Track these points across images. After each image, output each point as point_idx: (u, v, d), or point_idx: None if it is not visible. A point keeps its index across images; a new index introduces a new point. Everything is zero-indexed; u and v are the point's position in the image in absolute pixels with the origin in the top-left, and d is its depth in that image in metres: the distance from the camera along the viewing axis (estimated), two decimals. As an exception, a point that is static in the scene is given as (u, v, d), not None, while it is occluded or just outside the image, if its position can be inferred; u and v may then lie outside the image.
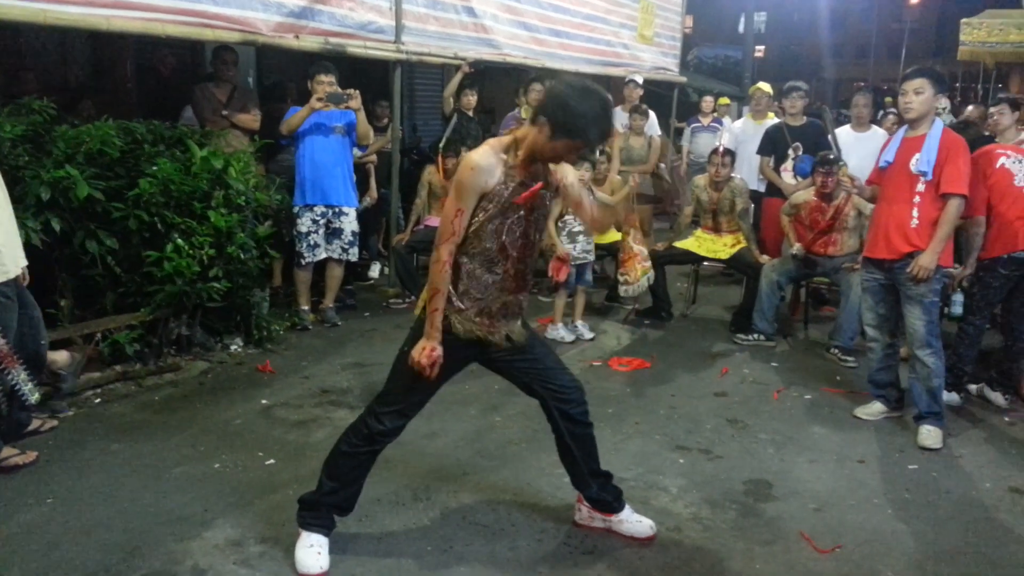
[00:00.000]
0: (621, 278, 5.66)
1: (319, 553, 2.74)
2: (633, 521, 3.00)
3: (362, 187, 6.46)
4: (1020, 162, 4.29)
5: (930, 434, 3.92)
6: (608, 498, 2.98)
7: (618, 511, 3.00)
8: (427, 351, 2.60)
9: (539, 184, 2.60)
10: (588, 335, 5.54)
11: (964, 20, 8.26)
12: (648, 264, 5.64)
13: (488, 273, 2.63)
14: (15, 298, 3.30)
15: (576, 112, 2.45)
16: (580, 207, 2.88)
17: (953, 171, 3.81)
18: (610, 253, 6.06)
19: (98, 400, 4.15)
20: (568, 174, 2.76)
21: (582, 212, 2.94)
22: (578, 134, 2.47)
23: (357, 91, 5.30)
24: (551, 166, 2.67)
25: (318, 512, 2.81)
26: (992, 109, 5.23)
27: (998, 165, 4.29)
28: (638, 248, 5.63)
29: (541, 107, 2.53)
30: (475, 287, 2.64)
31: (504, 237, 2.60)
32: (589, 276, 5.61)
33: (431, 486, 3.34)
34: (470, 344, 2.68)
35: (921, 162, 3.88)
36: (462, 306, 2.64)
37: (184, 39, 4.88)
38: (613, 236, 5.94)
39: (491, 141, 2.64)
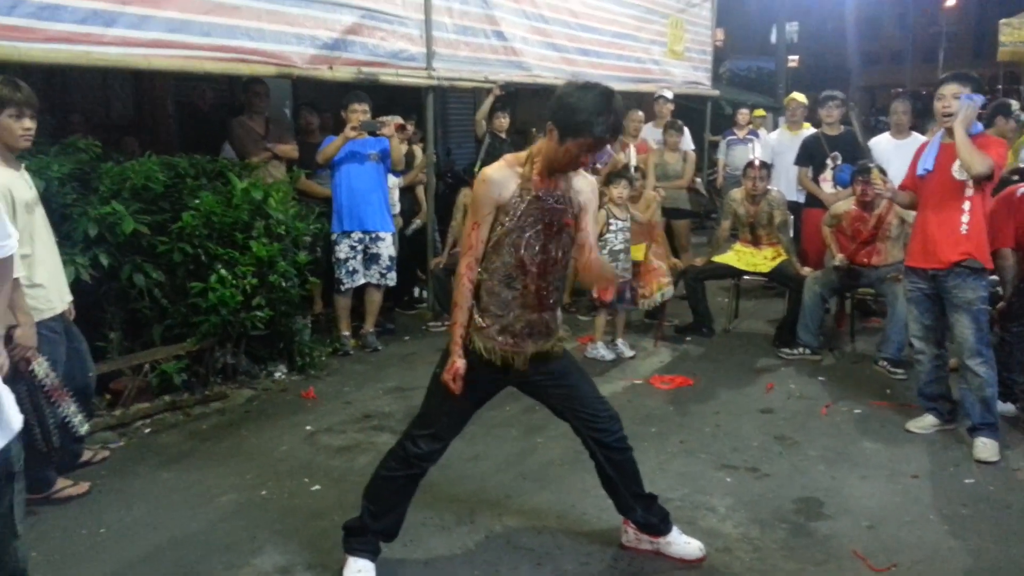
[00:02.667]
0: (640, 291, 5.63)
1: None
2: (681, 543, 2.95)
3: (412, 210, 6.57)
4: None
5: (986, 446, 3.80)
6: (654, 520, 2.94)
7: (665, 533, 2.95)
8: (449, 367, 2.62)
9: (569, 222, 2.62)
10: (629, 353, 5.50)
11: (1003, 20, 8.10)
12: (665, 280, 5.60)
13: (507, 289, 2.61)
14: (63, 332, 3.39)
15: (577, 109, 2.44)
16: (579, 246, 2.72)
17: (988, 153, 3.74)
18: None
19: (148, 430, 4.22)
20: (588, 205, 2.69)
21: (579, 252, 2.74)
22: (583, 131, 2.44)
23: (398, 117, 5.39)
24: (575, 184, 2.65)
25: (363, 538, 2.82)
26: None
27: (1019, 194, 4.30)
28: (658, 263, 5.60)
29: (548, 113, 2.55)
30: (495, 304, 2.62)
31: (523, 252, 2.59)
32: (628, 294, 5.58)
33: (475, 509, 3.33)
34: (499, 366, 2.67)
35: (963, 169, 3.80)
36: (483, 324, 2.63)
37: (222, 75, 4.99)
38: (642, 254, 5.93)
39: (507, 156, 2.66)
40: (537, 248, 2.60)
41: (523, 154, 2.64)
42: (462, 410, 2.76)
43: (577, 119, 2.43)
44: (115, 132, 6.47)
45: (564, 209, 2.63)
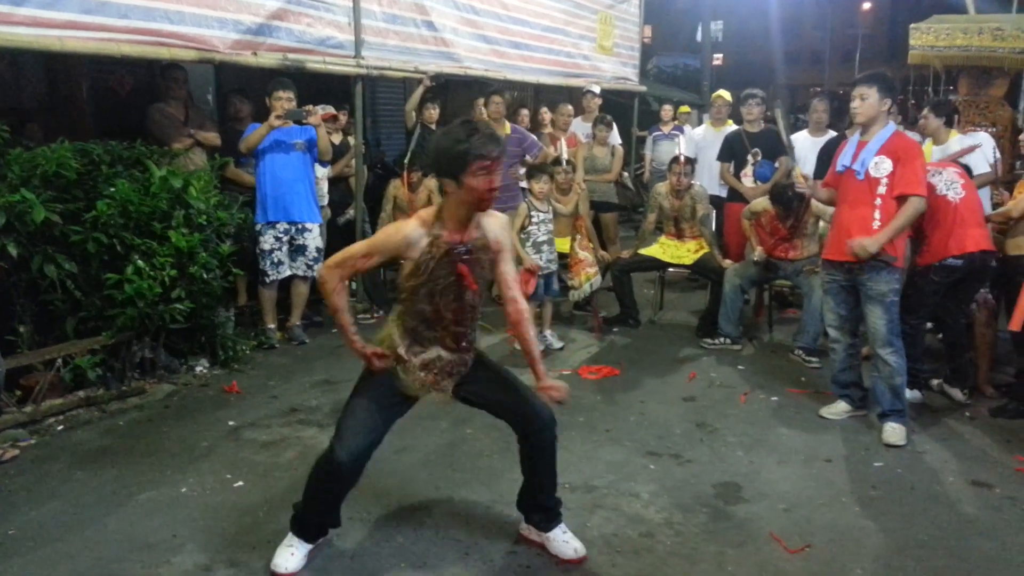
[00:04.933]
0: (569, 283, 5.70)
1: (292, 554, 2.81)
2: (560, 542, 2.95)
3: (345, 201, 6.47)
4: (940, 174, 4.41)
5: (894, 431, 3.99)
6: (536, 518, 2.99)
7: (545, 531, 2.98)
8: (368, 360, 2.72)
9: (471, 283, 2.68)
10: (557, 344, 5.56)
11: (912, 25, 8.46)
12: (593, 271, 5.66)
13: (428, 330, 2.73)
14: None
15: (441, 151, 2.54)
16: (501, 285, 2.81)
17: (908, 173, 3.89)
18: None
19: (60, 427, 4.06)
20: (504, 245, 2.76)
21: (503, 291, 2.82)
22: (469, 160, 2.50)
23: (330, 107, 5.33)
24: (485, 225, 2.70)
25: (302, 523, 2.86)
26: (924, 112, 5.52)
27: None
28: (583, 254, 5.66)
29: (436, 175, 2.65)
30: (419, 341, 2.75)
31: (438, 300, 2.69)
32: (556, 286, 5.63)
33: (403, 502, 3.33)
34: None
35: (859, 161, 3.98)
36: (406, 357, 2.75)
37: (140, 58, 4.82)
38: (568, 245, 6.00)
39: (422, 213, 2.71)
40: (452, 297, 2.70)
41: (433, 211, 2.68)
42: (383, 413, 2.74)
43: (454, 153, 2.50)
44: (26, 117, 6.16)
45: (476, 258, 2.70)
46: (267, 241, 5.38)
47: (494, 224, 2.75)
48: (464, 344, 2.80)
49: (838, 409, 4.33)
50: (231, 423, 4.17)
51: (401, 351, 2.75)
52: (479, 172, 2.51)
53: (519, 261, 5.35)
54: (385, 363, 2.70)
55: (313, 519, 2.86)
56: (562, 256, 5.82)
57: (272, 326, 5.53)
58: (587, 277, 5.62)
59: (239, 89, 6.15)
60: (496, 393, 2.86)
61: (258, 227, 5.40)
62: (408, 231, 2.62)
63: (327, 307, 2.77)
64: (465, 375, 2.85)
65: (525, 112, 8.24)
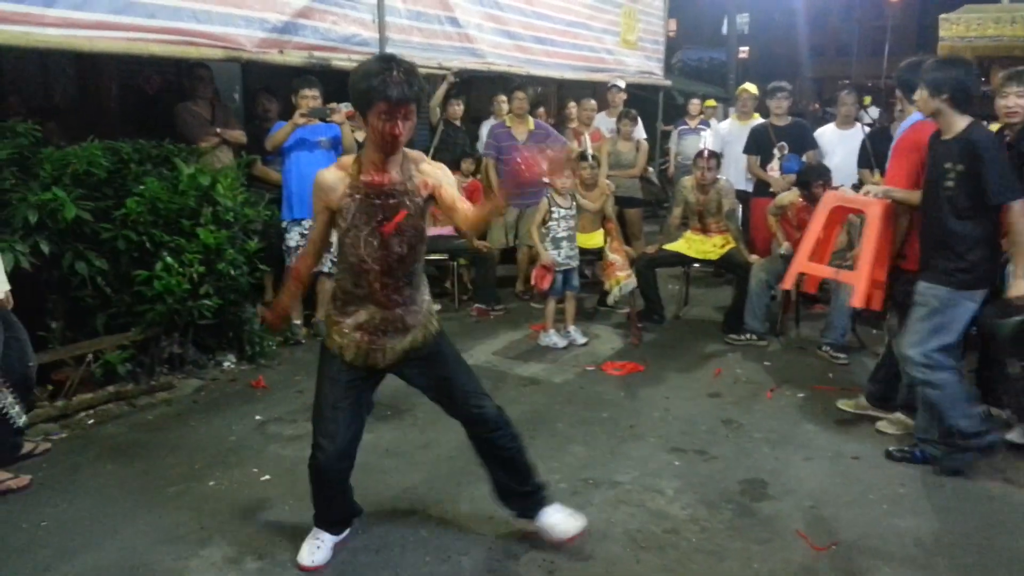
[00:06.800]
0: (605, 287, 5.69)
1: (318, 547, 2.85)
2: (553, 524, 2.94)
3: None
4: None
5: (889, 421, 4.00)
6: (517, 508, 2.98)
7: (533, 518, 2.97)
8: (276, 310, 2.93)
9: (402, 214, 2.56)
10: (581, 340, 5.55)
11: (942, 16, 8.31)
12: (623, 274, 5.62)
13: (356, 287, 2.65)
14: (1, 322, 3.30)
15: (358, 82, 2.44)
16: (453, 211, 2.63)
17: (888, 170, 3.82)
18: (600, 258, 6.08)
19: (91, 421, 4.13)
20: (440, 179, 2.64)
21: (456, 215, 2.64)
22: (372, 98, 2.41)
23: (351, 104, 5.33)
24: (416, 171, 2.61)
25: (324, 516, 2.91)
26: None
27: None
28: (613, 257, 5.63)
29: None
30: (350, 300, 2.68)
31: (362, 250, 2.59)
32: (576, 281, 5.60)
33: (427, 496, 3.35)
34: (356, 364, 2.71)
35: None
36: (339, 319, 2.69)
37: (168, 58, 4.88)
38: (597, 241, 5.97)
39: (341, 159, 2.69)
40: (376, 245, 2.59)
41: (353, 156, 2.66)
42: (348, 406, 2.72)
43: (360, 89, 2.44)
44: (47, 116, 6.26)
45: (399, 202, 2.57)
46: (293, 238, 5.42)
47: (427, 168, 2.63)
48: (396, 299, 2.66)
49: (854, 403, 4.27)
50: (258, 418, 4.21)
51: (334, 314, 2.70)
52: (381, 115, 2.44)
53: (537, 257, 5.36)
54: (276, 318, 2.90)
55: (326, 515, 2.90)
56: (586, 252, 5.80)
57: (298, 322, 5.57)
58: (616, 281, 5.59)
59: (266, 87, 6.20)
60: (443, 394, 2.83)
61: (284, 224, 5.45)
62: (325, 175, 2.61)
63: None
64: (419, 358, 2.76)
65: (542, 111, 8.21)
